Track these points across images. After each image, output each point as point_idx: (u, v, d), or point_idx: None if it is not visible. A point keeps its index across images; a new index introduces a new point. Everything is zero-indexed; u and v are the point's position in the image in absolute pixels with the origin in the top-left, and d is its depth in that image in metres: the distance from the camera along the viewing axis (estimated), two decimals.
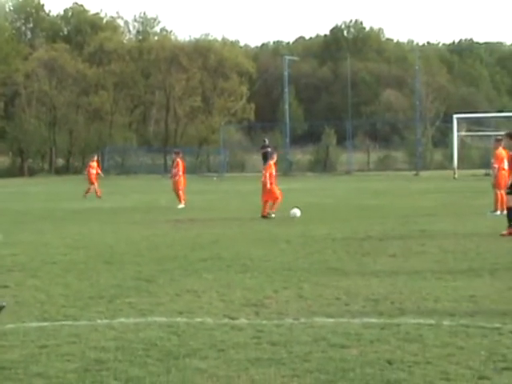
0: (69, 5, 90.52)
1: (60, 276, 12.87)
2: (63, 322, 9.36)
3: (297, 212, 23.21)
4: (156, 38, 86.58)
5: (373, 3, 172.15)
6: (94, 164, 37.48)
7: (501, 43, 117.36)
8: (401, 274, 12.47)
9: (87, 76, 77.23)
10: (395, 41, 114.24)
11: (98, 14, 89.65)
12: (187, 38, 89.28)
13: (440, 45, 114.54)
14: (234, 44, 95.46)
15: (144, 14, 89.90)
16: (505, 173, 21.22)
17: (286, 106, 67.61)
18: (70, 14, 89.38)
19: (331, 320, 9.21)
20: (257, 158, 67.39)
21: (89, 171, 37.00)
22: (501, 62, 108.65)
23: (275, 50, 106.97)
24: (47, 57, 75.50)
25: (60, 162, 79.63)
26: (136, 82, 79.47)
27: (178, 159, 30.75)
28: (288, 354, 7.74)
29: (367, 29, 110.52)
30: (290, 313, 9.72)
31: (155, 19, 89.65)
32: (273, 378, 6.99)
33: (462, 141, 60.64)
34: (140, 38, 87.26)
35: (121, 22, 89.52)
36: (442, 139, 71.48)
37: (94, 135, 77.00)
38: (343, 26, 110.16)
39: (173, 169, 30.90)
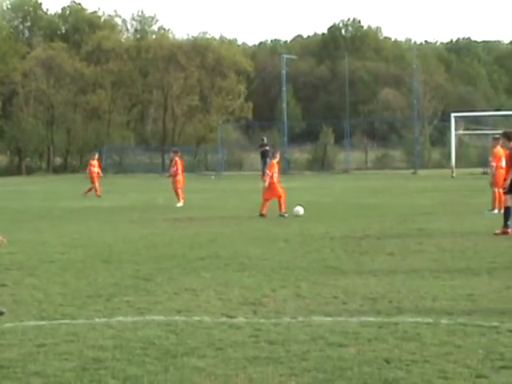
0: (66, 3, 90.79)
1: (58, 275, 12.87)
2: (61, 321, 9.36)
3: (300, 210, 23.22)
4: (154, 36, 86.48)
5: (370, 2, 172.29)
6: (95, 162, 37.45)
7: (498, 42, 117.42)
8: (399, 273, 12.48)
9: (85, 75, 77.14)
10: (393, 39, 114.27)
11: (95, 12, 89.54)
12: (185, 37, 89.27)
13: (438, 43, 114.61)
14: (232, 42, 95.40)
15: (142, 12, 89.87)
16: (502, 171, 21.21)
17: (284, 105, 67.60)
18: (67, 12, 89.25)
19: (329, 319, 9.22)
20: (255, 156, 67.43)
21: (90, 169, 36.97)
22: (498, 60, 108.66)
23: (273, 49, 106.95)
24: (45, 55, 75.41)
25: (58, 160, 79.56)
26: (134, 81, 79.40)
27: (177, 158, 30.77)
28: (286, 352, 7.75)
29: (365, 27, 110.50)
30: (288, 311, 9.72)
31: (153, 18, 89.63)
32: (271, 376, 7.00)
33: (459, 139, 60.66)
34: (138, 36, 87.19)
35: (119, 21, 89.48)
36: (440, 138, 71.51)
37: (92, 134, 76.92)
38: (341, 25, 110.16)
39: (171, 168, 30.94)
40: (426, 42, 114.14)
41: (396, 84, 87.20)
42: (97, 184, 36.15)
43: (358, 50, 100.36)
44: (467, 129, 61.31)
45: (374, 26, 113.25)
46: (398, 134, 74.86)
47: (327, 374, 7.04)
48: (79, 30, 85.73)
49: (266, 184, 23.89)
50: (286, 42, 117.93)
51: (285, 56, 71.59)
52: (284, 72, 68.00)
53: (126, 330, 8.84)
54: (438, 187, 38.53)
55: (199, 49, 78.98)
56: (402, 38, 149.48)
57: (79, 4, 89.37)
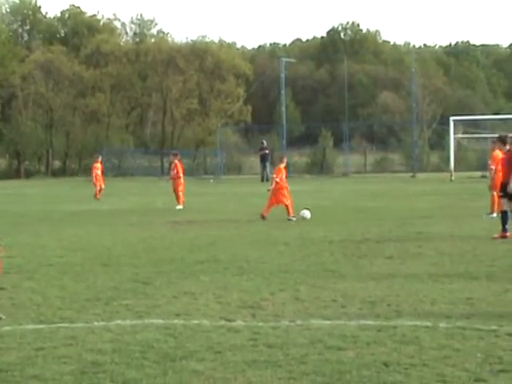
0: (66, 7, 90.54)
1: (57, 278, 12.86)
2: (60, 325, 9.36)
3: (307, 213, 23.19)
4: (153, 40, 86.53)
5: (369, 5, 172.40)
6: (99, 165, 37.50)
7: (497, 45, 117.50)
8: (397, 276, 12.48)
9: (84, 78, 77.17)
10: (392, 43, 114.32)
11: (94, 16, 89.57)
12: (184, 40, 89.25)
13: (436, 47, 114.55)
14: (231, 46, 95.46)
15: (141, 16, 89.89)
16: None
17: (283, 108, 67.64)
18: (66, 16, 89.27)
19: (328, 322, 9.21)
20: (254, 160, 67.50)
21: (94, 172, 37.04)
22: (497, 64, 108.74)
23: (272, 52, 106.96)
24: (44, 59, 75.43)
25: (57, 164, 79.57)
26: (133, 84, 79.43)
27: (176, 161, 30.82)
28: (284, 356, 7.75)
29: (364, 31, 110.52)
30: (287, 315, 9.72)
31: (152, 21, 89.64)
32: (269, 380, 7.00)
33: (458, 143, 60.71)
34: (137, 40, 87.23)
35: (118, 24, 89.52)
36: (439, 141, 71.57)
37: (91, 137, 76.95)
38: (340, 28, 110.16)
39: (171, 171, 30.99)
40: (424, 45, 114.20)
41: (395, 87, 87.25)
42: (97, 187, 36.17)
43: (356, 53, 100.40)
44: (466, 132, 61.35)
45: (372, 29, 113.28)
46: (396, 138, 74.92)
47: (326, 377, 7.04)
48: (78, 33, 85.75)
49: (271, 188, 23.87)
50: (285, 45, 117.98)
51: (284, 59, 71.65)
52: (283, 75, 68.04)
53: (125, 333, 8.84)
54: (436, 191, 38.55)
55: (198, 52, 79.03)
56: (400, 41, 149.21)
57: (78, 7, 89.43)
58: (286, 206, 23.53)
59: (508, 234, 17.59)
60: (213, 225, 22.44)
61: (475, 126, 62.16)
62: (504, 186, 18.21)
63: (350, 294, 11.03)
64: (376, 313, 9.75)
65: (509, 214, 17.80)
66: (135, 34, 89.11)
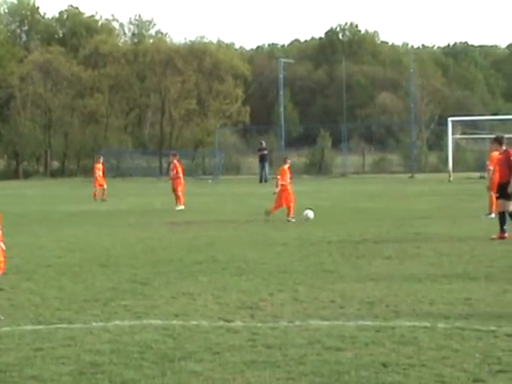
0: (64, 7, 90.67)
1: (55, 279, 12.86)
2: (58, 325, 9.35)
3: (310, 213, 23.19)
4: (151, 40, 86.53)
5: (368, 6, 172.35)
6: (100, 166, 37.54)
7: (495, 46, 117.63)
8: (396, 277, 12.48)
9: (82, 79, 77.16)
10: (390, 44, 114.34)
11: (93, 16, 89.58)
12: (182, 41, 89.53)
13: (435, 48, 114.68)
14: (229, 46, 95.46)
15: (139, 16, 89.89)
16: None
17: (281, 109, 67.66)
18: (65, 16, 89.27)
19: (326, 323, 9.21)
20: (252, 160, 67.51)
21: (95, 173, 37.10)
22: (495, 65, 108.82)
23: (270, 53, 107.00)
24: (42, 59, 75.42)
25: (55, 164, 79.58)
26: (131, 85, 79.43)
27: (175, 161, 30.84)
28: (283, 356, 7.75)
29: (362, 32, 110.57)
30: (285, 315, 9.72)
31: (150, 22, 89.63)
32: (268, 380, 7.00)
33: (456, 144, 60.69)
34: (135, 40, 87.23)
35: (116, 25, 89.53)
36: (437, 142, 71.59)
37: (90, 138, 76.95)
38: (338, 29, 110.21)
39: (170, 171, 30.99)
40: (423, 46, 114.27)
41: (393, 88, 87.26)
42: (97, 188, 36.19)
43: (355, 54, 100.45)
44: (464, 133, 61.32)
45: (371, 30, 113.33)
46: (395, 138, 74.93)
47: (324, 378, 7.04)
48: (76, 34, 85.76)
49: (277, 190, 23.85)
50: (283, 46, 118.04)
51: (282, 60, 71.68)
52: (281, 76, 68.07)
53: (123, 334, 8.83)
54: (435, 191, 38.56)
55: (196, 53, 79.04)
56: (399, 42, 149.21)
57: (76, 8, 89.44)
58: (289, 206, 23.52)
59: (506, 234, 17.60)
60: (211, 225, 22.44)
61: (473, 126, 62.17)
62: (501, 187, 18.21)
63: (348, 294, 11.03)
64: (374, 313, 9.75)
65: (507, 214, 17.81)
66: (133, 34, 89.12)
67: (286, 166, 24.45)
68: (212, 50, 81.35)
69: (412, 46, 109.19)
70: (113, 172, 69.10)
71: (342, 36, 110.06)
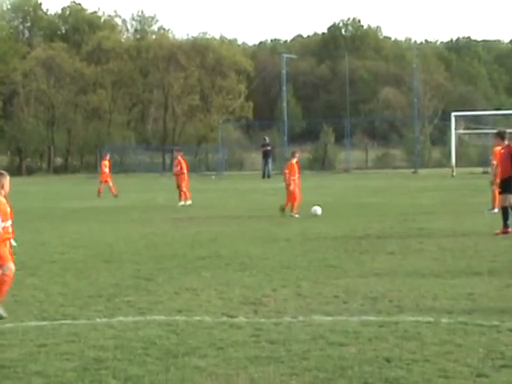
0: (66, 3, 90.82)
1: (59, 275, 12.88)
2: (62, 321, 9.37)
3: (318, 209, 23.19)
4: (154, 36, 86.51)
5: (370, 1, 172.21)
6: (107, 163, 37.56)
7: (498, 41, 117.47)
8: (399, 272, 12.49)
9: (85, 75, 77.17)
10: (393, 39, 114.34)
11: (95, 12, 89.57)
12: (185, 37, 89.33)
13: (438, 43, 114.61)
14: (232, 42, 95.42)
15: (142, 12, 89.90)
16: None
17: (284, 104, 67.62)
18: (67, 12, 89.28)
19: (329, 318, 9.22)
20: (255, 156, 67.47)
21: (102, 169, 37.14)
22: (498, 59, 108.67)
23: (273, 48, 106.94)
24: (45, 56, 75.45)
25: (58, 161, 79.62)
26: (134, 81, 79.42)
27: (179, 157, 30.87)
28: (287, 352, 7.76)
29: (365, 27, 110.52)
30: (289, 311, 9.73)
31: (153, 18, 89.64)
32: (272, 376, 7.01)
33: (459, 139, 60.66)
34: (138, 36, 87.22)
35: (119, 21, 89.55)
36: (440, 137, 71.49)
37: (93, 134, 76.97)
38: (341, 24, 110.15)
39: (175, 167, 30.93)
40: (426, 41, 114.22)
41: (396, 83, 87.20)
42: (103, 184, 36.20)
43: (358, 49, 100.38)
44: (467, 128, 61.29)
45: (373, 25, 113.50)
46: (398, 133, 74.86)
47: (328, 373, 7.05)
48: (79, 30, 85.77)
49: (291, 188, 23.82)
50: (286, 41, 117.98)
51: (285, 55, 71.62)
52: (284, 71, 68.01)
53: (127, 329, 8.85)
54: (438, 186, 38.53)
55: (199, 49, 79.00)
56: (401, 37, 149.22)
57: (79, 4, 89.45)
58: (293, 201, 23.50)
59: (509, 229, 17.58)
60: (214, 221, 22.45)
61: (477, 121, 62.10)
62: (503, 182, 18.18)
63: (351, 289, 11.04)
64: (378, 308, 9.75)
65: (509, 209, 17.79)
66: (136, 30, 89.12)
67: (294, 161, 24.44)
68: (215, 45, 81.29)
69: (415, 41, 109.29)
70: (116, 168, 68.95)
71: (345, 31, 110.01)
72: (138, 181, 53.87)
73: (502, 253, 14.55)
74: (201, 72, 78.95)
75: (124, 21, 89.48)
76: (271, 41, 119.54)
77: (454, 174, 49.72)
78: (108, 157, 38.62)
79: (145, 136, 79.84)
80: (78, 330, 8.84)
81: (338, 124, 70.01)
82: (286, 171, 24.42)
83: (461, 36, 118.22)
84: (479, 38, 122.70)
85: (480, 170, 50.61)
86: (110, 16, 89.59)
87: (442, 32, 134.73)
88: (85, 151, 78.02)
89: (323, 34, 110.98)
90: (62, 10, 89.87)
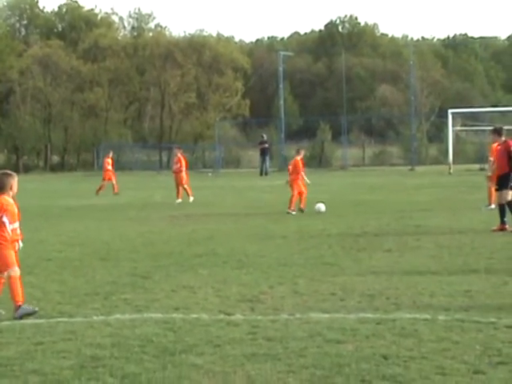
0: (63, 1, 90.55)
1: (56, 273, 12.87)
2: (59, 319, 9.36)
3: (321, 206, 23.24)
4: (151, 34, 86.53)
5: None
6: (110, 160, 37.55)
7: (495, 38, 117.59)
8: (396, 270, 12.49)
9: (82, 72, 77.17)
10: (390, 36, 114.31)
11: (92, 10, 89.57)
12: (182, 34, 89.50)
13: (434, 40, 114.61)
14: (229, 40, 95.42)
15: (139, 10, 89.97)
16: None
17: (281, 102, 67.66)
18: (64, 10, 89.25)
19: (327, 315, 9.22)
20: (252, 153, 67.51)
21: (105, 167, 37.12)
22: (495, 56, 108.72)
23: (270, 46, 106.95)
24: (42, 53, 75.43)
25: (55, 159, 79.63)
26: (131, 79, 79.42)
27: (179, 154, 30.91)
28: (284, 349, 7.75)
29: (362, 24, 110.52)
30: (286, 308, 9.72)
31: (150, 15, 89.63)
32: (269, 373, 7.00)
33: (456, 136, 60.71)
34: (135, 34, 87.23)
35: (115, 19, 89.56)
36: (437, 134, 71.59)
37: (89, 132, 76.98)
38: (338, 22, 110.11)
39: (175, 164, 30.84)
40: (422, 38, 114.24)
41: (393, 80, 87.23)
42: (114, 181, 36.18)
43: (354, 46, 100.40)
44: (464, 125, 61.36)
45: (370, 22, 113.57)
46: (395, 131, 74.93)
47: (325, 370, 7.04)
48: (76, 27, 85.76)
49: (308, 181, 23.96)
50: (282, 38, 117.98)
51: (282, 53, 71.66)
52: (281, 69, 68.05)
53: (124, 327, 8.84)
54: (435, 183, 38.55)
55: (196, 46, 79.01)
56: (398, 34, 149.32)
57: (76, 2, 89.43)
58: (293, 197, 23.50)
59: (507, 226, 17.59)
60: (211, 218, 22.44)
61: (473, 118, 62.17)
62: (499, 179, 18.18)
63: (348, 287, 11.03)
64: (375, 306, 9.75)
65: (506, 206, 17.79)
66: (133, 28, 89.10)
67: (299, 158, 24.48)
68: (211, 43, 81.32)
69: (412, 38, 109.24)
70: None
71: (342, 28, 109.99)
72: (134, 179, 53.85)
73: (499, 250, 14.55)
74: (197, 69, 78.97)
75: (121, 18, 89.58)
76: (268, 38, 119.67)
77: (451, 170, 49.77)
78: (111, 154, 38.61)
79: (141, 134, 79.85)
80: (74, 328, 8.83)
81: (334, 121, 70.06)
82: (290, 167, 24.49)
83: (458, 33, 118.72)
84: (476, 35, 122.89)
85: (477, 166, 50.68)
86: (106, 13, 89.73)
87: (438, 29, 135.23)
88: (81, 149, 78.05)
89: (320, 31, 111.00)
90: (59, 7, 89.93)
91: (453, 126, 54.84)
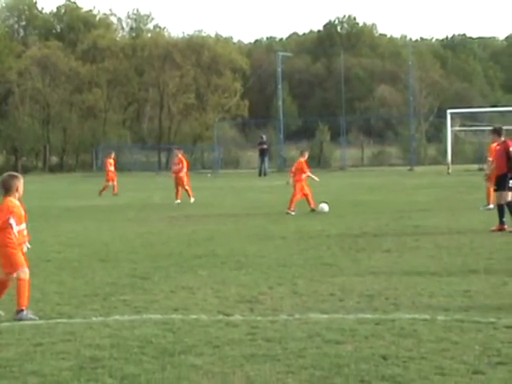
0: (62, 2, 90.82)
1: (55, 274, 12.87)
2: (58, 320, 9.35)
3: (325, 207, 23.30)
4: (149, 35, 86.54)
5: None
6: (112, 161, 37.52)
7: (494, 38, 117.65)
8: (395, 270, 12.48)
9: (80, 73, 77.15)
10: (388, 36, 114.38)
11: (90, 11, 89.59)
12: (180, 35, 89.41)
13: (433, 40, 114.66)
14: (228, 40, 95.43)
15: (137, 10, 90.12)
16: None
17: (280, 102, 67.64)
18: (62, 11, 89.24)
19: (326, 316, 9.21)
20: (251, 154, 67.52)
21: (107, 168, 37.07)
22: (494, 56, 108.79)
23: (269, 46, 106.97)
24: (40, 54, 75.41)
25: (54, 159, 79.59)
26: (130, 80, 79.40)
27: (180, 155, 30.92)
28: (283, 350, 7.75)
29: (360, 24, 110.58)
30: (285, 309, 9.72)
31: (148, 16, 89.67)
32: (268, 374, 7.00)
33: (455, 136, 60.73)
34: (133, 35, 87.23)
35: (114, 19, 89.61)
36: (436, 134, 71.60)
37: (88, 133, 76.96)
38: (336, 22, 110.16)
39: (176, 165, 30.71)
40: (421, 38, 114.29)
41: (392, 81, 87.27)
42: (115, 182, 36.16)
43: (353, 46, 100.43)
44: (463, 125, 61.38)
45: (369, 22, 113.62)
46: (394, 131, 74.97)
47: (324, 371, 7.04)
48: (74, 28, 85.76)
49: (316, 178, 24.08)
50: (281, 39, 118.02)
51: (280, 53, 71.65)
52: (280, 69, 68.04)
53: (123, 328, 8.83)
54: (434, 184, 38.56)
55: (195, 47, 79.01)
56: (397, 34, 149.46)
57: (74, 3, 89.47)
58: (294, 198, 23.52)
59: (505, 226, 17.59)
60: (210, 219, 22.44)
61: (472, 118, 62.19)
62: (497, 179, 18.17)
63: (347, 287, 11.03)
64: (374, 306, 9.75)
65: (505, 206, 17.79)
66: (131, 28, 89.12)
67: (303, 159, 24.53)
68: (210, 43, 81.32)
69: (410, 39, 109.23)
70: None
71: (341, 29, 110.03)
72: (133, 180, 53.84)
73: (498, 250, 14.56)
74: (196, 70, 78.96)
75: (119, 19, 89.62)
76: (267, 39, 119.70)
77: (450, 171, 49.78)
78: (113, 155, 38.53)
79: (140, 135, 79.84)
80: (73, 329, 8.82)
81: (333, 122, 70.08)
82: (293, 169, 24.51)
83: (456, 33, 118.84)
84: (474, 35, 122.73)
85: (476, 166, 50.70)
86: (105, 14, 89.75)
87: (437, 29, 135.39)
88: (80, 150, 78.03)
89: (319, 31, 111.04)
90: (58, 8, 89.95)
91: (451, 126, 54.87)
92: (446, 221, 19.98)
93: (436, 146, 70.67)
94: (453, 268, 12.54)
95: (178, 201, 28.89)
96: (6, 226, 9.55)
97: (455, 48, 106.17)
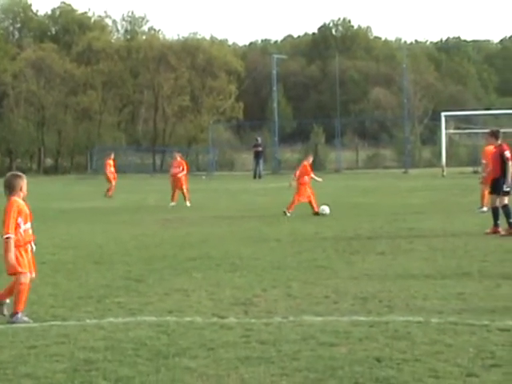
0: (56, 4, 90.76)
1: (49, 276, 12.85)
2: (52, 323, 9.35)
3: (325, 209, 23.36)
4: (144, 37, 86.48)
5: (361, 1, 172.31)
6: (111, 162, 37.48)
7: (488, 41, 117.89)
8: (389, 273, 12.50)
9: (75, 76, 77.06)
10: (383, 39, 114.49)
11: (85, 13, 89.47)
12: (175, 37, 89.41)
13: (428, 43, 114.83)
14: (223, 43, 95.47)
15: (132, 13, 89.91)
16: None
17: (275, 105, 67.64)
18: (57, 13, 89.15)
19: (320, 318, 9.22)
20: (246, 156, 67.50)
21: (107, 169, 37.03)
22: (488, 59, 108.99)
23: (263, 49, 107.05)
24: (35, 57, 75.31)
25: (48, 162, 79.48)
26: (124, 82, 79.33)
27: (179, 158, 30.98)
28: (277, 352, 7.75)
29: (355, 27, 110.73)
30: (279, 311, 9.73)
31: (143, 18, 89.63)
32: (262, 376, 7.00)
33: (450, 138, 60.79)
34: (128, 37, 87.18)
35: (109, 22, 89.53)
36: (431, 137, 71.71)
37: (83, 135, 76.85)
38: (331, 25, 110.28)
39: (175, 168, 30.61)
40: (416, 41, 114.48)
41: (386, 83, 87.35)
42: (113, 183, 36.14)
43: (348, 49, 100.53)
44: (457, 128, 61.44)
45: (364, 25, 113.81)
46: (388, 134, 75.01)
47: (318, 373, 7.04)
48: (69, 30, 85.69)
49: (319, 179, 24.12)
50: (276, 41, 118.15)
51: (275, 56, 71.67)
52: (274, 72, 68.04)
53: (118, 331, 8.83)
54: (428, 186, 38.59)
55: (190, 49, 78.99)
56: (392, 37, 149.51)
57: (69, 5, 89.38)
58: (295, 200, 23.56)
59: (500, 229, 17.62)
60: (205, 221, 22.43)
61: (467, 121, 62.27)
62: (493, 182, 18.20)
63: (342, 290, 11.04)
64: (368, 309, 9.76)
65: (499, 209, 17.82)
66: (126, 31, 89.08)
67: (307, 163, 24.62)
68: (205, 46, 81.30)
69: (405, 42, 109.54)
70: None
71: (335, 31, 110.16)
72: (128, 182, 53.70)
73: (492, 252, 14.58)
74: (191, 72, 78.94)
75: (114, 21, 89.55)
76: (262, 41, 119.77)
77: (445, 173, 49.83)
78: (112, 156, 38.48)
79: (135, 137, 79.76)
80: (67, 332, 8.81)
81: (328, 124, 70.11)
82: (297, 172, 24.55)
83: (451, 36, 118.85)
84: (469, 38, 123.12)
85: (470, 169, 50.75)
86: (100, 17, 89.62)
87: (431, 32, 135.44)
88: (75, 152, 77.91)
89: (313, 34, 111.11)
90: (52, 10, 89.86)
91: (446, 128, 54.91)
92: (441, 223, 20.01)
93: (430, 149, 70.74)
94: (447, 270, 12.56)
95: (173, 203, 28.89)
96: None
97: (449, 51, 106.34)
